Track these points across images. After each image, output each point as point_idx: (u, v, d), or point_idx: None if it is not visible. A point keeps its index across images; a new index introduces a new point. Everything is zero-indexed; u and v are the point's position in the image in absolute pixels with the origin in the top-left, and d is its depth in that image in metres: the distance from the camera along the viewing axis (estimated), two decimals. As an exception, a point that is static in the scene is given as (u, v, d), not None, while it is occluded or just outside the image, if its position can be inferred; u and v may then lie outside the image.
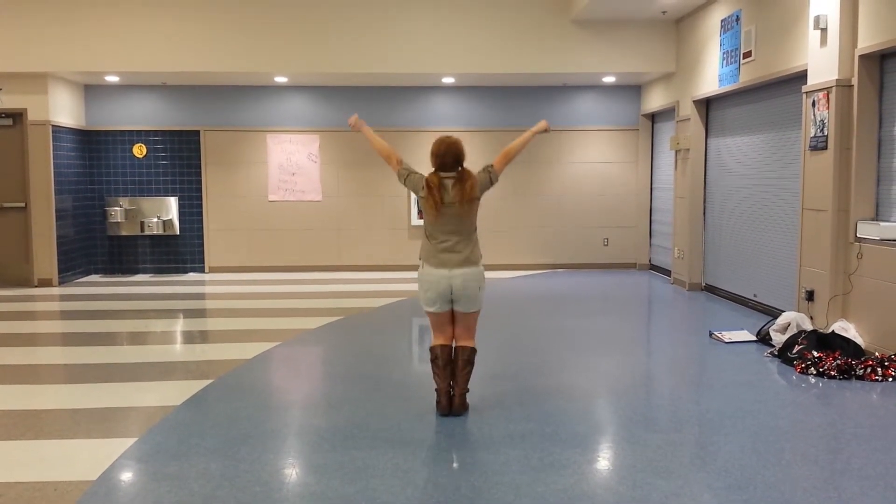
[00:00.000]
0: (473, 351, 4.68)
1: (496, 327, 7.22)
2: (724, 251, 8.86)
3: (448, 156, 4.57)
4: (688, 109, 9.40)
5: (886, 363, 5.40)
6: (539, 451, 3.95)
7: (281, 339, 6.69)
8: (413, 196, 10.99)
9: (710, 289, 9.23)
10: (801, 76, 6.80)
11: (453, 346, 4.71)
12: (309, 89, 11.13)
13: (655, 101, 10.67)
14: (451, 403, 4.60)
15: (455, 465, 3.85)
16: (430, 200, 4.52)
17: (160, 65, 9.64)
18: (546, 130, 5.01)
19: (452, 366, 4.64)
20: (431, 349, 4.68)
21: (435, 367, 4.64)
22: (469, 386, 4.66)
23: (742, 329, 6.86)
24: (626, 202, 11.45)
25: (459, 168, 4.61)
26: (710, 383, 5.41)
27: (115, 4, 9.53)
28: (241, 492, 3.47)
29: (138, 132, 11.00)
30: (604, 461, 3.92)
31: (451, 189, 4.54)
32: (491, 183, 4.68)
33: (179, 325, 7.71)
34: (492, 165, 4.71)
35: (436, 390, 4.66)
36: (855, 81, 6.05)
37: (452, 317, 4.68)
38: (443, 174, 4.57)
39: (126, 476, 3.72)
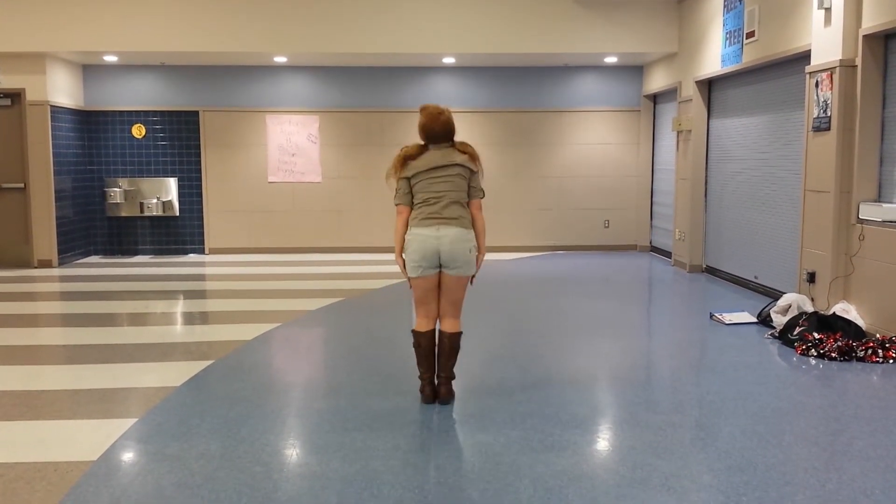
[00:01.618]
0: (459, 335, 4.43)
1: (497, 309, 7.22)
2: (725, 233, 8.84)
3: (441, 133, 4.32)
4: (690, 90, 9.34)
5: (887, 345, 5.39)
6: (539, 433, 3.94)
7: (281, 321, 6.69)
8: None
9: (711, 270, 9.22)
10: (805, 56, 6.75)
11: (437, 330, 4.47)
12: (308, 69, 11.07)
13: (657, 81, 10.61)
14: (436, 392, 4.45)
15: (455, 446, 3.84)
16: (398, 164, 4.30)
17: (159, 45, 9.57)
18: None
19: (437, 350, 4.46)
20: (414, 333, 4.44)
21: (418, 354, 4.46)
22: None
23: (743, 311, 6.85)
24: (627, 184, 11.41)
25: (452, 143, 4.37)
26: (710, 365, 5.41)
27: (113, -17, 9.47)
28: (242, 472, 3.47)
29: (137, 112, 10.95)
30: (604, 442, 3.92)
31: (443, 152, 4.29)
32: (471, 185, 4.35)
33: (179, 307, 7.70)
34: (482, 192, 4.45)
35: (419, 377, 4.51)
36: (859, 62, 6.00)
37: (438, 291, 4.41)
38: (432, 145, 4.33)
39: (126, 456, 3.72)
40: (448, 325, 4.45)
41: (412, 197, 4.37)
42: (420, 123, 4.36)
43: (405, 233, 4.40)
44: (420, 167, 4.29)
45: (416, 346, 4.47)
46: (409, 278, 4.43)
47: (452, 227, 4.27)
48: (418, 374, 4.53)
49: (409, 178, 4.34)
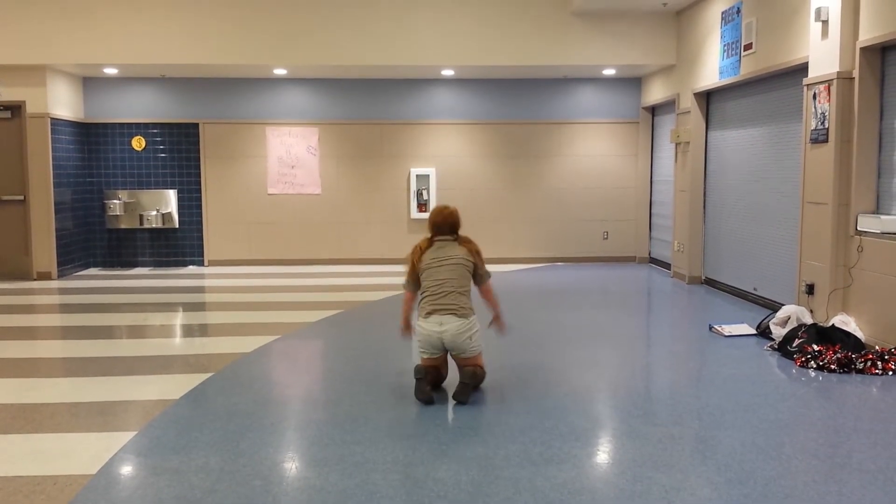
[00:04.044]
0: (480, 368, 4.83)
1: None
2: (724, 244, 8.85)
3: (444, 225, 4.87)
4: (688, 102, 9.37)
5: (886, 357, 5.39)
6: (539, 445, 3.94)
7: (280, 333, 6.69)
8: (413, 189, 10.99)
9: (710, 282, 9.22)
10: (802, 69, 6.78)
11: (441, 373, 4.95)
12: (308, 82, 11.10)
13: (656, 93, 10.65)
14: (438, 382, 4.85)
15: (454, 459, 3.84)
16: (412, 261, 4.85)
17: (159, 57, 9.61)
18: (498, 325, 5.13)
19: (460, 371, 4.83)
20: (417, 368, 4.76)
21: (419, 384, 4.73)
22: (469, 381, 4.70)
23: (742, 322, 6.85)
24: (626, 195, 11.43)
25: (456, 235, 4.89)
26: (709, 377, 5.40)
27: (114, -4, 9.51)
28: (241, 486, 3.47)
29: (137, 125, 10.98)
30: (604, 455, 3.91)
31: (447, 248, 4.82)
32: (477, 273, 4.87)
33: (179, 319, 7.70)
34: (488, 275, 4.96)
35: (415, 374, 4.75)
36: (856, 74, 6.02)
37: (441, 360, 4.88)
38: (437, 238, 4.87)
39: (125, 470, 3.71)
40: (470, 363, 4.83)
41: (419, 285, 4.89)
42: (428, 219, 4.96)
43: (410, 306, 4.99)
44: (426, 260, 4.82)
45: (419, 378, 4.73)
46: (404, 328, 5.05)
47: (453, 320, 4.71)
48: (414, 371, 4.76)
49: (417, 270, 4.86)
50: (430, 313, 4.74)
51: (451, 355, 4.87)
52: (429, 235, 4.94)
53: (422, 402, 4.62)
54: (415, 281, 4.92)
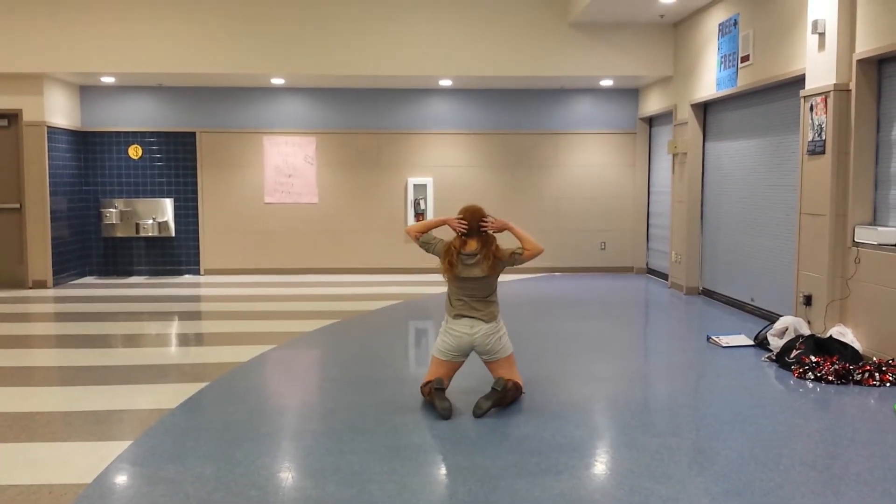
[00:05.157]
0: (517, 386, 4.77)
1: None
2: (721, 255, 8.85)
3: (474, 221, 4.86)
4: (685, 113, 9.39)
5: (884, 368, 5.39)
6: (536, 456, 3.92)
7: (277, 342, 6.66)
8: (409, 199, 11.00)
9: (708, 293, 9.22)
10: (799, 80, 6.80)
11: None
12: (305, 91, 11.11)
13: (653, 104, 10.67)
14: (443, 390, 4.65)
15: (452, 469, 3.82)
16: (446, 264, 4.78)
17: (156, 66, 9.61)
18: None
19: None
20: (423, 388, 4.78)
21: (427, 397, 4.74)
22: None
23: (739, 333, 6.85)
24: (623, 206, 11.44)
25: (483, 233, 4.86)
26: (707, 388, 5.40)
27: (111, 5, 9.50)
28: (237, 496, 3.44)
29: (134, 133, 10.97)
30: (601, 466, 3.90)
31: (473, 266, 4.77)
32: (512, 264, 4.92)
33: (174, 328, 7.67)
34: (521, 252, 4.90)
35: (424, 390, 4.77)
36: (853, 86, 6.04)
37: (456, 369, 4.86)
38: (464, 252, 4.79)
39: (121, 479, 3.69)
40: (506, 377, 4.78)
41: (426, 246, 4.96)
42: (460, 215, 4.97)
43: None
44: (460, 273, 4.77)
45: (426, 393, 4.74)
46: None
47: (482, 324, 4.76)
48: (425, 386, 4.76)
49: (444, 262, 4.80)
50: (459, 315, 4.79)
51: (483, 361, 4.88)
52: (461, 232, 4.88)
53: (443, 417, 4.48)
54: (429, 243, 4.95)
